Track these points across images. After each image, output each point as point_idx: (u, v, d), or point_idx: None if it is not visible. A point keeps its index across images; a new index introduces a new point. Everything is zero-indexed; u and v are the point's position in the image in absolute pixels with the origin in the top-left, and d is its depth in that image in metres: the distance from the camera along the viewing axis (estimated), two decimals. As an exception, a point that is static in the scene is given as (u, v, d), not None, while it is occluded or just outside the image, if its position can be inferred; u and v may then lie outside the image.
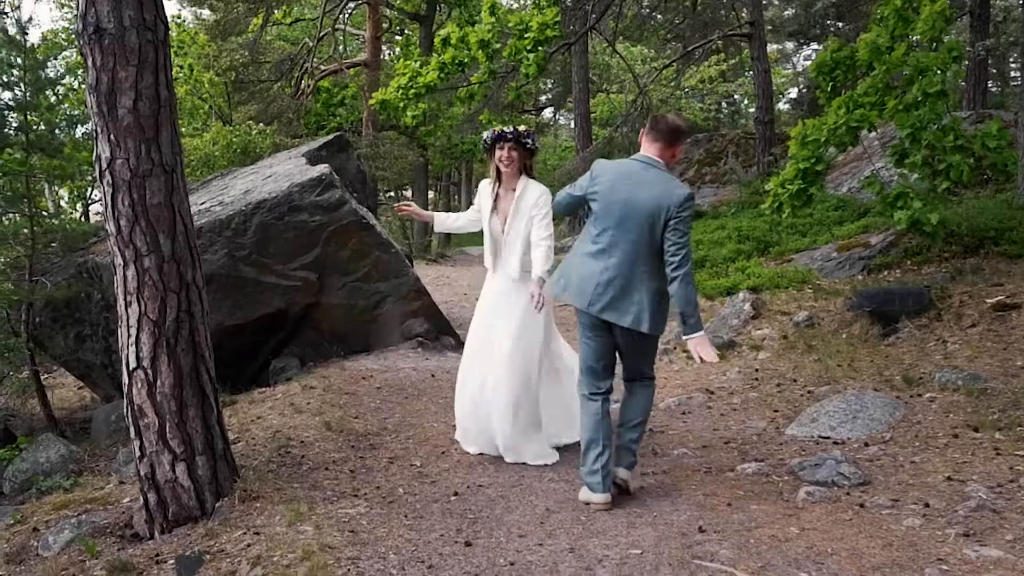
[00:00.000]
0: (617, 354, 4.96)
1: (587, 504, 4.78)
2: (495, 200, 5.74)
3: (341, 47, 28.14)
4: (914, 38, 8.24)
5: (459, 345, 8.63)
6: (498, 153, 5.61)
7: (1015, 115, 12.06)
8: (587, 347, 4.95)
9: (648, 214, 4.57)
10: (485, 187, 5.87)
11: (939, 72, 7.70)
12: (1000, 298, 7.40)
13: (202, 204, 9.43)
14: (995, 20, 19.50)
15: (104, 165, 4.54)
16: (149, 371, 4.60)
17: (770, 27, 29.44)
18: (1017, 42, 14.32)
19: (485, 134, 5.70)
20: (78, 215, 20.49)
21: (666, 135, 4.76)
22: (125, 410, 4.74)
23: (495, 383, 5.60)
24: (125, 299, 4.62)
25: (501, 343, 5.65)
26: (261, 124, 21.68)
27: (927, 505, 4.45)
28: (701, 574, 3.82)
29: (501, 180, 5.72)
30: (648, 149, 4.80)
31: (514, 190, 5.65)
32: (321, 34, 24.76)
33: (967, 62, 17.11)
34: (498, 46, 12.12)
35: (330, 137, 13.04)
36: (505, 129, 5.62)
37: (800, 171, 8.43)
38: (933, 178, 7.95)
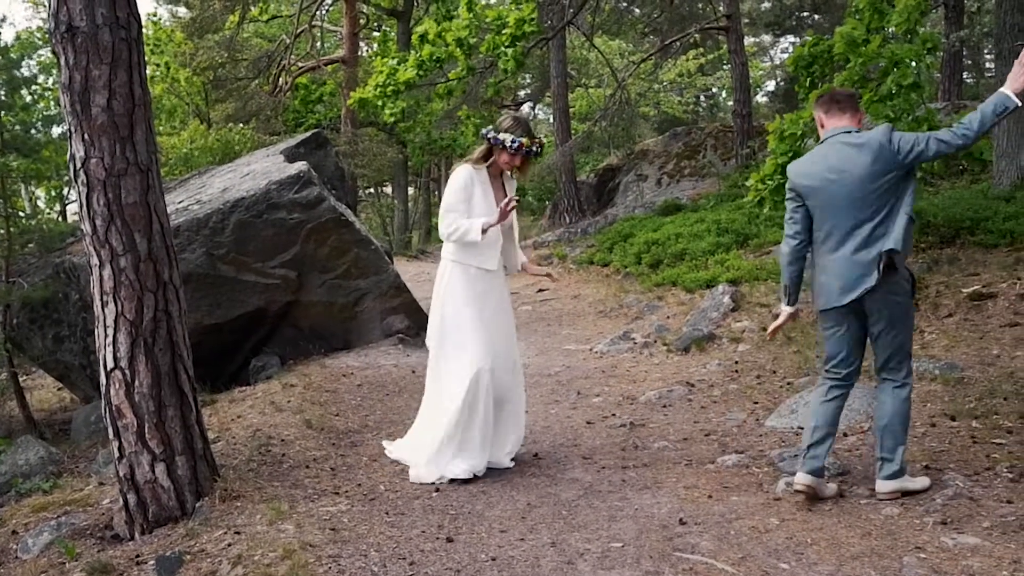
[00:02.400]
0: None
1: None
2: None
3: (319, 44, 28.06)
4: (890, 30, 8.28)
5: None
6: (506, 157, 5.25)
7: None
8: None
9: None
10: (476, 176, 5.30)
11: (912, 64, 7.74)
12: (976, 288, 7.45)
13: (180, 203, 9.38)
14: (969, 11, 19.61)
15: (79, 164, 4.51)
16: (127, 371, 4.58)
17: (747, 20, 29.50)
18: (991, 33, 14.46)
19: (509, 139, 5.19)
20: (56, 215, 20.38)
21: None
22: (103, 411, 4.71)
23: (516, 390, 5.50)
24: (102, 299, 4.59)
25: (512, 345, 5.50)
26: (241, 125, 21.60)
27: (905, 494, 4.48)
28: (682, 566, 3.84)
29: (489, 169, 5.37)
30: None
31: (501, 176, 5.42)
32: (298, 31, 24.65)
33: (942, 53, 17.22)
34: (475, 41, 12.10)
35: (308, 134, 13.02)
36: (533, 147, 5.25)
37: (779, 165, 8.46)
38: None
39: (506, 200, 5.19)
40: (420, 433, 5.49)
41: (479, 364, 5.16)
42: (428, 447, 5.28)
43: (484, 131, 5.33)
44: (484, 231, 5.13)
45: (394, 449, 5.75)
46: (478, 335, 5.22)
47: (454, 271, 5.33)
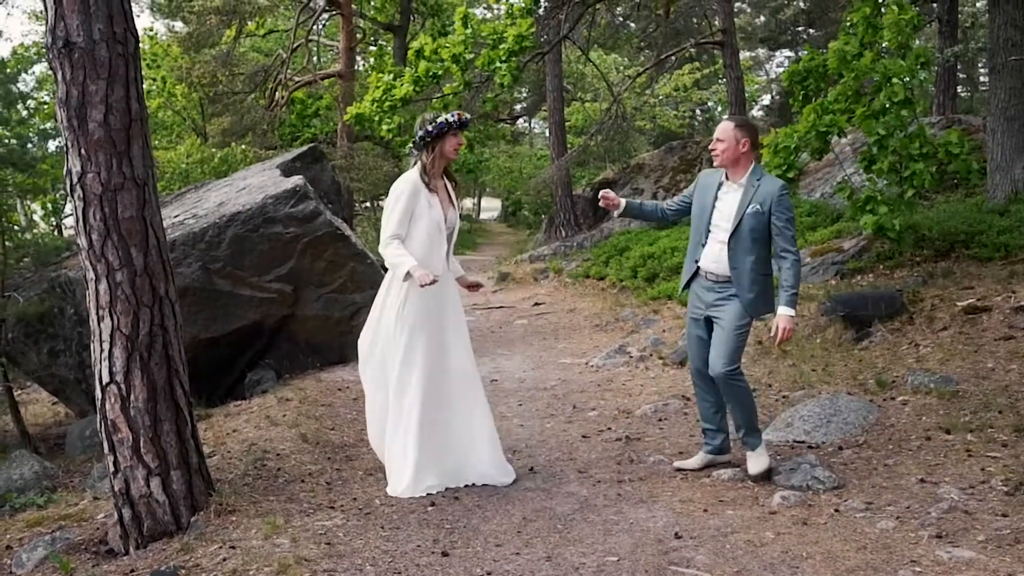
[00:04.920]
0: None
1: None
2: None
3: (315, 58, 28.08)
4: (883, 45, 8.33)
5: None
6: (453, 141, 5.31)
7: (984, 120, 12.20)
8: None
9: None
10: (417, 185, 5.26)
11: (903, 81, 7.78)
12: (971, 301, 7.47)
13: (176, 217, 9.39)
14: (963, 26, 19.71)
15: (75, 179, 4.52)
16: (122, 386, 4.58)
17: (742, 35, 29.62)
18: (985, 47, 14.54)
19: (446, 116, 5.25)
20: (52, 229, 20.36)
21: None
22: (99, 425, 4.71)
23: (474, 402, 5.46)
24: (98, 313, 4.60)
25: (462, 356, 5.44)
26: (243, 146, 21.61)
27: (900, 507, 4.49)
28: (677, 580, 3.84)
29: (431, 173, 5.35)
30: None
31: (443, 178, 5.46)
32: (295, 45, 24.68)
33: (936, 68, 17.29)
34: (471, 56, 12.14)
35: (304, 148, 13.04)
36: (465, 115, 5.34)
37: (773, 178, 8.50)
38: (900, 184, 8.04)
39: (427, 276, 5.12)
40: (389, 445, 5.41)
41: (425, 376, 5.26)
42: (399, 462, 5.30)
43: (419, 136, 5.32)
44: (407, 277, 5.14)
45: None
46: (424, 347, 5.28)
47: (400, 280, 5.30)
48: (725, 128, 5.21)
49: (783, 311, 5.01)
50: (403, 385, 5.28)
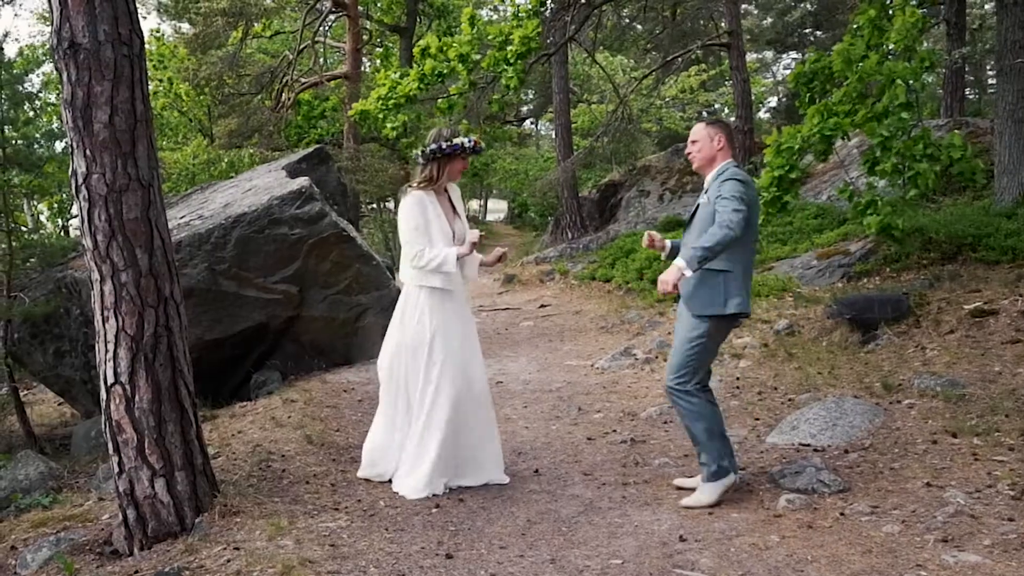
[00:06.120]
0: None
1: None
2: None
3: (321, 60, 28.09)
4: (889, 47, 8.30)
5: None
6: (461, 164, 5.40)
7: (991, 122, 12.16)
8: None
9: None
10: (425, 199, 5.34)
11: (904, 84, 7.75)
12: (978, 304, 7.45)
13: (182, 218, 9.40)
14: (971, 28, 19.67)
15: (80, 180, 4.52)
16: (127, 387, 4.58)
17: (749, 37, 29.59)
18: (993, 49, 14.50)
19: (463, 140, 5.31)
20: (59, 230, 20.42)
21: None
22: (103, 426, 4.71)
23: (487, 408, 5.55)
24: (102, 314, 4.60)
25: (478, 368, 5.53)
26: (251, 150, 21.64)
27: (906, 511, 4.47)
28: (682, 583, 3.83)
29: (435, 187, 5.43)
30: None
31: (446, 191, 5.52)
32: (301, 47, 24.69)
33: (944, 70, 17.26)
34: (477, 57, 12.13)
35: (310, 150, 13.07)
36: (481, 144, 5.45)
37: (775, 179, 8.46)
38: (903, 185, 8.02)
39: (474, 235, 5.38)
40: (410, 448, 5.44)
41: (453, 382, 5.30)
42: (417, 462, 5.33)
43: (431, 149, 5.32)
44: (459, 263, 5.29)
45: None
46: (449, 354, 5.33)
47: (420, 295, 5.39)
48: (697, 129, 5.13)
49: (676, 263, 4.51)
50: (437, 391, 5.31)
